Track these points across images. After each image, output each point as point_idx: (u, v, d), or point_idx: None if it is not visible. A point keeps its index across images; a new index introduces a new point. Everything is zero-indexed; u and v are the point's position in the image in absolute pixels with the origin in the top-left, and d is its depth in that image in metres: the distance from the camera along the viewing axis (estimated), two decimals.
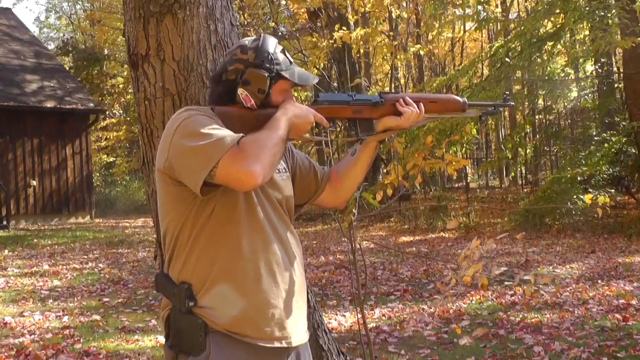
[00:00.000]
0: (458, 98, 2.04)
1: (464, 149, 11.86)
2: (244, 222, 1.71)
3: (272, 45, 1.78)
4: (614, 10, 9.46)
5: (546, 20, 10.56)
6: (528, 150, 15.08)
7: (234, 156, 1.58)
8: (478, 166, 25.66)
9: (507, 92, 2.20)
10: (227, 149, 1.58)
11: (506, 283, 6.36)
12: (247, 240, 1.70)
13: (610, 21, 9.83)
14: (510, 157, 15.11)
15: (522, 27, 10.52)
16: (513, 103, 2.01)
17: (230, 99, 1.78)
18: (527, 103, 14.09)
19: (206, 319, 1.66)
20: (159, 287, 1.76)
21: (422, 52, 18.35)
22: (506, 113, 21.72)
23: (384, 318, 5.62)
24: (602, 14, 9.70)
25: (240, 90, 1.75)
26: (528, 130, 15.82)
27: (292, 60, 1.82)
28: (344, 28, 14.41)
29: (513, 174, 19.70)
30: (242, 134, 1.64)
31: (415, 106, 1.96)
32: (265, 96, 1.75)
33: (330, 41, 14.19)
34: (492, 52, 11.57)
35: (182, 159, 1.63)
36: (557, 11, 9.99)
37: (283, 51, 1.81)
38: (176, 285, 1.69)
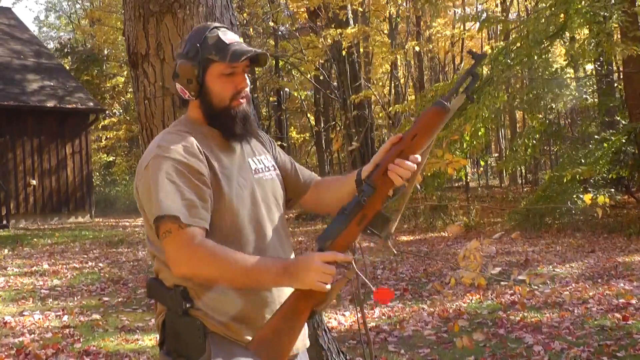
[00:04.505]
0: (434, 107, 1.68)
1: (466, 148, 11.77)
2: (237, 231, 1.67)
3: (204, 30, 1.69)
4: (615, 12, 9.42)
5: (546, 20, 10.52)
6: (529, 151, 15.04)
7: (184, 243, 1.55)
8: (478, 165, 25.63)
9: (470, 49, 2.02)
10: (181, 216, 1.54)
11: (503, 283, 6.36)
12: (242, 245, 1.66)
13: (610, 23, 9.80)
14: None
15: (523, 26, 10.50)
16: (482, 54, 1.80)
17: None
18: (531, 111, 13.99)
19: (204, 320, 1.61)
20: (152, 293, 1.70)
21: (418, 48, 18.26)
22: (506, 116, 21.62)
23: (383, 317, 5.62)
24: (605, 15, 9.66)
25: (177, 86, 1.71)
26: (537, 135, 15.71)
27: (230, 41, 1.67)
28: (341, 28, 14.40)
29: (511, 170, 19.67)
30: (204, 220, 1.58)
31: (398, 166, 1.64)
32: (199, 85, 1.68)
33: (326, 40, 14.18)
34: (493, 56, 11.49)
35: (145, 202, 1.63)
36: (560, 13, 9.95)
37: (223, 33, 1.69)
38: (170, 289, 1.64)
